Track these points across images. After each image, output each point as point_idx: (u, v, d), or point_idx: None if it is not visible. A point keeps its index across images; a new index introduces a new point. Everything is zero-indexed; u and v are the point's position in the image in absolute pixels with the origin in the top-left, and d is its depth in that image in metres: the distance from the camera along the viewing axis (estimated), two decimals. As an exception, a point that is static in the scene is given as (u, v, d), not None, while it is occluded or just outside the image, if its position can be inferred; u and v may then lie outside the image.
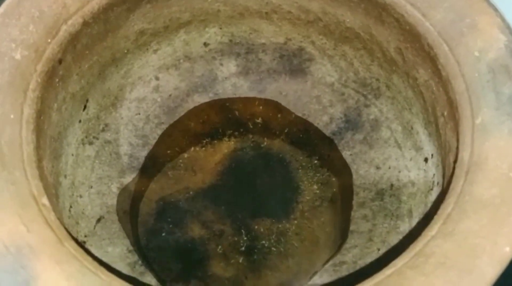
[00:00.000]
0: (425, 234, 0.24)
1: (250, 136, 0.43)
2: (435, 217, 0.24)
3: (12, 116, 0.28)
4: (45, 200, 0.25)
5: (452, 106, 0.30)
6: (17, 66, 0.29)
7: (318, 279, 0.35)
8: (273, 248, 0.38)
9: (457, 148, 0.27)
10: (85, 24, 0.34)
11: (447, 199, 0.25)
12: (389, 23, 0.35)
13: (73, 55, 0.34)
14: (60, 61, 0.32)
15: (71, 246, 0.24)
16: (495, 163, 0.26)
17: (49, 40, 0.31)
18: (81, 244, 0.26)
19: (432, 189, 0.35)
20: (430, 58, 0.32)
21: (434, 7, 0.32)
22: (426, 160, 0.37)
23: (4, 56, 0.29)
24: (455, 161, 0.27)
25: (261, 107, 0.44)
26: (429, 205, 0.35)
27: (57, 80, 0.33)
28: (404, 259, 0.23)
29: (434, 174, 0.36)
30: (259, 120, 0.44)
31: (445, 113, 0.32)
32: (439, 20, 0.31)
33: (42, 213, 0.25)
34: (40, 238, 0.23)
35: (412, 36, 0.33)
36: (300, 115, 0.44)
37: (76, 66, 0.35)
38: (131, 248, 0.37)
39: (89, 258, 0.23)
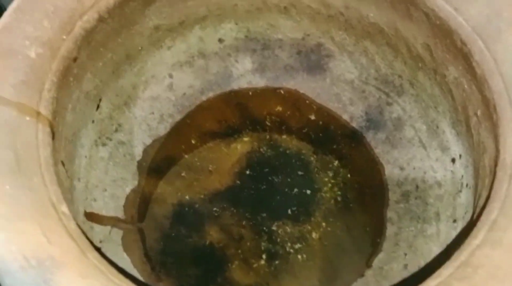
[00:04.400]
0: (469, 242, 0.22)
1: (267, 135, 0.42)
2: (478, 223, 0.23)
3: (27, 118, 0.26)
4: (64, 208, 0.24)
5: (489, 106, 0.29)
6: (31, 65, 0.28)
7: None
8: (295, 253, 0.36)
9: (498, 150, 0.26)
10: (101, 19, 0.32)
11: (491, 204, 0.24)
12: (417, 18, 0.34)
13: (87, 53, 0.32)
14: (75, 59, 0.31)
15: (95, 257, 0.22)
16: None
17: (64, 37, 0.30)
18: (104, 255, 0.24)
19: (460, 191, 0.34)
20: (462, 54, 0.31)
21: (468, 1, 0.30)
22: (453, 160, 0.36)
23: (18, 54, 0.28)
24: (495, 164, 0.25)
25: (278, 105, 0.43)
26: (458, 208, 0.34)
27: (71, 79, 0.31)
28: (449, 269, 0.21)
29: (462, 176, 0.34)
30: (277, 119, 0.43)
31: (479, 113, 0.30)
32: (474, 15, 0.30)
33: (62, 222, 0.23)
34: (62, 249, 0.22)
35: (442, 31, 0.32)
36: (319, 113, 0.42)
37: (91, 64, 0.34)
38: (148, 253, 0.35)
39: (114, 271, 0.22)
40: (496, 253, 0.21)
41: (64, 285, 0.20)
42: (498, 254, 0.21)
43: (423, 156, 0.38)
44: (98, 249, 0.23)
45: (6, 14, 0.29)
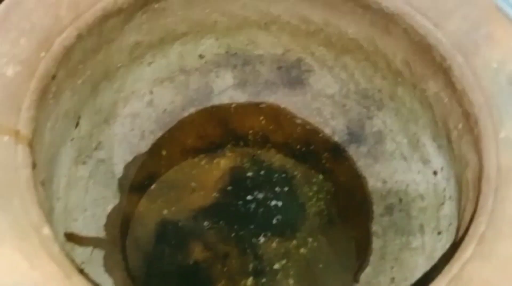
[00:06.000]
0: (459, 256, 0.23)
1: (250, 150, 0.42)
2: (466, 237, 0.23)
3: (6, 138, 0.25)
4: (47, 230, 0.23)
5: (469, 120, 0.29)
6: (9, 83, 0.27)
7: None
8: (281, 269, 0.36)
9: (481, 164, 0.26)
10: (80, 37, 0.31)
11: (478, 217, 0.24)
12: (396, 34, 0.34)
13: (66, 70, 0.32)
14: (53, 77, 0.30)
15: (80, 281, 0.21)
16: (524, 179, 0.25)
17: (42, 54, 0.29)
18: (89, 278, 0.24)
19: (443, 204, 0.34)
20: (442, 70, 0.31)
21: (447, 17, 0.31)
22: (435, 173, 0.36)
23: (-6, 73, 0.27)
24: (479, 179, 0.26)
25: (260, 120, 0.43)
26: (442, 219, 0.34)
27: (50, 97, 0.30)
28: (440, 284, 0.21)
29: (444, 188, 0.35)
30: (259, 134, 0.43)
31: (460, 126, 0.31)
32: (452, 31, 0.31)
33: (44, 245, 0.22)
34: (45, 274, 0.21)
35: (422, 47, 0.33)
36: (301, 128, 0.42)
37: (69, 81, 0.33)
38: (131, 274, 0.34)
39: (101, 295, 0.21)
40: (486, 266, 0.22)
41: (49, 313, 0.20)
42: (489, 268, 0.22)
43: (405, 169, 0.38)
44: (82, 272, 0.22)
45: (-19, 32, 0.28)
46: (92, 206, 0.36)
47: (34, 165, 0.26)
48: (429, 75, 0.33)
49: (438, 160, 0.36)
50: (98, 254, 0.34)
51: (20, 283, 0.20)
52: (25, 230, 0.23)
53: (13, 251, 0.21)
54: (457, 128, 0.31)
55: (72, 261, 0.23)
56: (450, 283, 0.21)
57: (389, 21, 0.34)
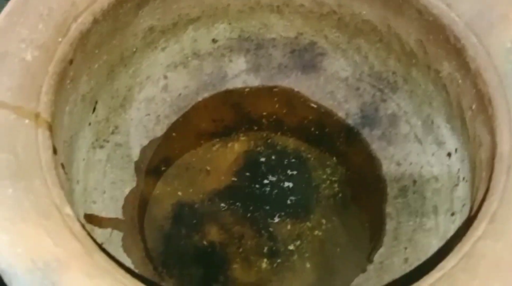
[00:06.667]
0: (470, 233, 0.23)
1: (264, 134, 0.42)
2: (479, 215, 0.24)
3: (26, 121, 0.26)
4: (68, 210, 0.24)
5: (483, 100, 0.29)
6: (28, 68, 0.28)
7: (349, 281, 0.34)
8: (295, 250, 0.37)
9: (494, 143, 0.26)
10: (95, 21, 0.32)
11: (490, 196, 0.24)
12: (410, 15, 0.34)
13: (83, 55, 0.32)
14: (71, 61, 0.31)
15: (101, 258, 0.22)
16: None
17: (60, 39, 0.30)
18: (110, 255, 0.24)
19: (457, 185, 0.34)
20: (456, 50, 0.31)
21: (460, -3, 0.31)
22: (449, 154, 0.36)
23: (14, 58, 0.28)
24: (493, 157, 0.26)
25: (273, 104, 0.43)
26: (456, 201, 0.34)
27: (68, 81, 0.31)
28: (452, 261, 0.22)
29: (459, 169, 0.35)
30: (273, 117, 0.43)
31: (474, 107, 0.31)
32: (466, 11, 0.30)
33: (66, 224, 0.23)
34: (67, 251, 0.22)
35: (435, 27, 0.32)
36: (314, 111, 0.43)
37: (86, 66, 0.34)
38: (149, 254, 0.35)
39: (121, 271, 0.22)
40: (498, 244, 0.22)
41: (72, 286, 0.20)
42: (500, 245, 0.22)
43: (419, 151, 0.38)
44: (103, 250, 0.23)
45: (0, 18, 0.29)
46: (111, 189, 0.37)
47: (54, 149, 0.27)
48: (443, 56, 0.33)
49: (452, 142, 0.36)
50: (117, 235, 0.35)
51: (44, 259, 0.21)
52: (48, 210, 0.23)
53: (37, 229, 0.22)
54: (471, 108, 0.31)
55: (93, 239, 0.24)
56: (462, 260, 0.22)
57: (402, 1, 0.34)
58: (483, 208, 0.24)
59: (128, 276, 0.22)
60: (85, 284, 0.21)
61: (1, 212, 0.22)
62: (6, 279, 0.21)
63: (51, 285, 0.20)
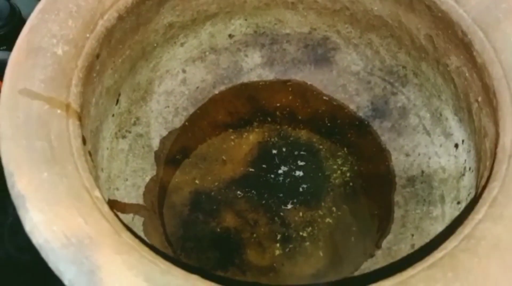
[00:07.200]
0: (472, 217, 0.24)
1: (278, 126, 0.44)
2: (480, 200, 0.25)
3: (59, 111, 0.28)
4: (97, 193, 0.26)
5: (489, 92, 0.30)
6: (59, 62, 0.30)
7: (359, 264, 0.36)
8: (307, 236, 0.38)
9: (497, 133, 0.28)
10: (120, 18, 0.34)
11: (492, 183, 0.25)
12: (420, 11, 0.36)
13: (108, 50, 0.34)
14: (98, 56, 0.33)
15: (128, 237, 0.24)
16: (537, 147, 0.26)
17: (88, 35, 0.32)
18: (137, 235, 0.26)
19: (464, 175, 0.36)
20: (464, 44, 0.32)
21: (468, -6, 0.32)
22: (456, 146, 0.37)
23: (46, 52, 0.30)
24: (495, 147, 0.27)
25: (287, 97, 0.45)
26: (462, 190, 0.35)
27: (95, 75, 0.33)
28: (453, 242, 0.23)
29: (465, 160, 0.36)
30: (286, 110, 0.44)
31: (480, 99, 0.32)
32: (473, 7, 0.32)
33: (96, 205, 0.25)
34: (98, 229, 0.24)
35: (444, 23, 0.34)
36: (326, 104, 0.44)
37: (111, 60, 0.35)
38: (168, 238, 0.37)
39: (146, 248, 0.24)
40: (497, 226, 0.23)
41: (102, 261, 0.22)
42: (500, 228, 0.23)
43: (428, 143, 0.40)
44: (129, 229, 0.25)
45: (32, 16, 0.31)
46: (132, 177, 0.39)
47: (84, 139, 0.29)
48: (451, 50, 0.35)
49: (459, 133, 0.37)
50: (139, 220, 0.37)
51: (77, 236, 0.23)
52: (79, 192, 0.25)
53: (69, 210, 0.24)
54: (478, 100, 0.32)
55: (120, 220, 0.26)
56: (463, 241, 0.23)
57: (412, -2, 0.35)
58: (485, 194, 0.25)
59: (152, 253, 0.24)
60: (114, 259, 0.23)
61: (38, 194, 0.24)
62: (43, 254, 0.23)
63: (84, 259, 0.22)
